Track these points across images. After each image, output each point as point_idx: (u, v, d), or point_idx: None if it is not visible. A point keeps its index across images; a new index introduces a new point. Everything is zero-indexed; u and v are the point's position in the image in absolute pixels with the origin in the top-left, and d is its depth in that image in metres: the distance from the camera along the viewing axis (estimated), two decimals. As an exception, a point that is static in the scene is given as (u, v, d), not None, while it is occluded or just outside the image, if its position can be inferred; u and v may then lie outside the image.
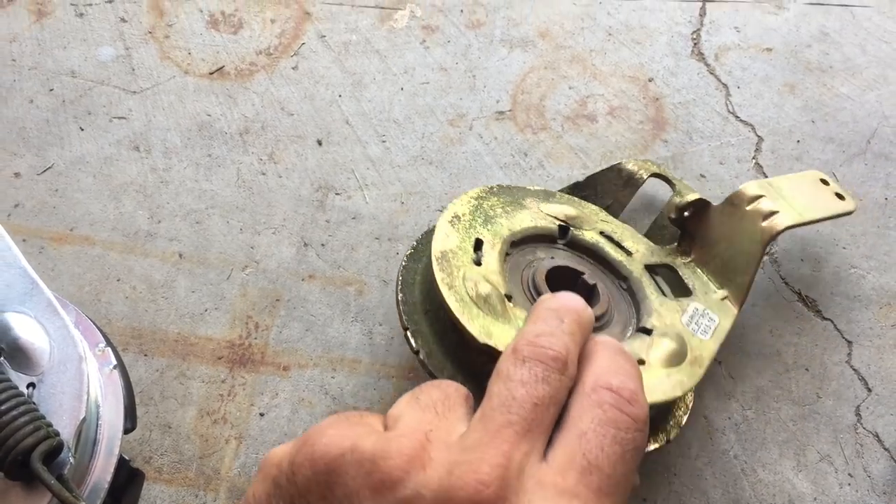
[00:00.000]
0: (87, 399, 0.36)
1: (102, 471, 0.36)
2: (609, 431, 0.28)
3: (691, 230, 0.55)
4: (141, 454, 0.48)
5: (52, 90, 0.65)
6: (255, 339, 0.53)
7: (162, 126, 0.63)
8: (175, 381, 0.51)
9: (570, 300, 0.35)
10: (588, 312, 0.35)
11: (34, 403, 0.35)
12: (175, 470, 0.48)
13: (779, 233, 0.51)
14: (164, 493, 0.47)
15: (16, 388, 0.35)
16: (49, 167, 0.60)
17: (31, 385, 0.36)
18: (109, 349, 0.41)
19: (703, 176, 0.63)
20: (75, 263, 0.55)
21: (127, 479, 0.39)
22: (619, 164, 0.59)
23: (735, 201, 0.53)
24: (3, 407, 0.33)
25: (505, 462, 0.27)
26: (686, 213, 0.55)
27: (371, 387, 0.52)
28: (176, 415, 0.50)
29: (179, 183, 0.60)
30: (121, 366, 0.41)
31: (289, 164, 0.62)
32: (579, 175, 0.61)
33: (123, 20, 0.70)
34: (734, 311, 0.50)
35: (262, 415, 0.50)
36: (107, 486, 0.36)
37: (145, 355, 0.52)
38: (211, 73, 0.67)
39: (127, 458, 0.39)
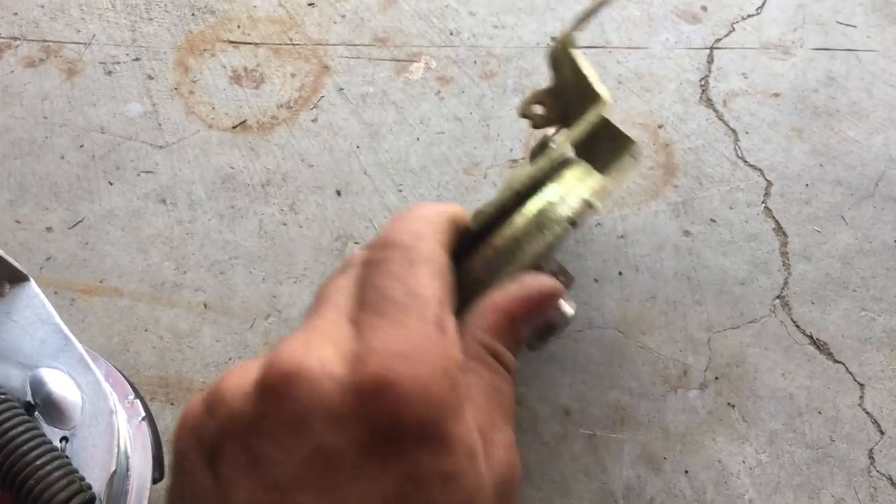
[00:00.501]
0: (118, 452, 0.37)
1: (132, 521, 0.38)
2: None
3: (556, 118, 0.53)
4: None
5: (82, 146, 0.67)
6: (277, 386, 0.55)
7: (187, 179, 0.66)
8: (200, 428, 0.53)
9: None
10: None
11: (67, 457, 0.36)
12: (200, 517, 0.49)
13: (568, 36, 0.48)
14: (189, 540, 0.48)
15: (49, 442, 0.36)
16: (79, 221, 0.63)
17: (64, 439, 0.38)
18: (138, 401, 0.43)
19: (713, 220, 0.64)
20: (105, 314, 0.57)
21: (154, 528, 0.40)
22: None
23: (555, 57, 0.51)
24: (38, 462, 0.35)
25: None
26: (540, 112, 0.53)
27: (389, 433, 0.53)
28: (200, 462, 0.51)
29: (204, 234, 0.62)
30: (149, 417, 0.43)
31: (309, 215, 0.64)
32: (591, 221, 0.62)
33: (150, 77, 0.73)
34: (603, 101, 0.45)
35: (283, 462, 0.52)
36: (136, 536, 0.38)
37: (172, 404, 0.53)
38: (234, 127, 0.69)
39: (155, 507, 0.40)
